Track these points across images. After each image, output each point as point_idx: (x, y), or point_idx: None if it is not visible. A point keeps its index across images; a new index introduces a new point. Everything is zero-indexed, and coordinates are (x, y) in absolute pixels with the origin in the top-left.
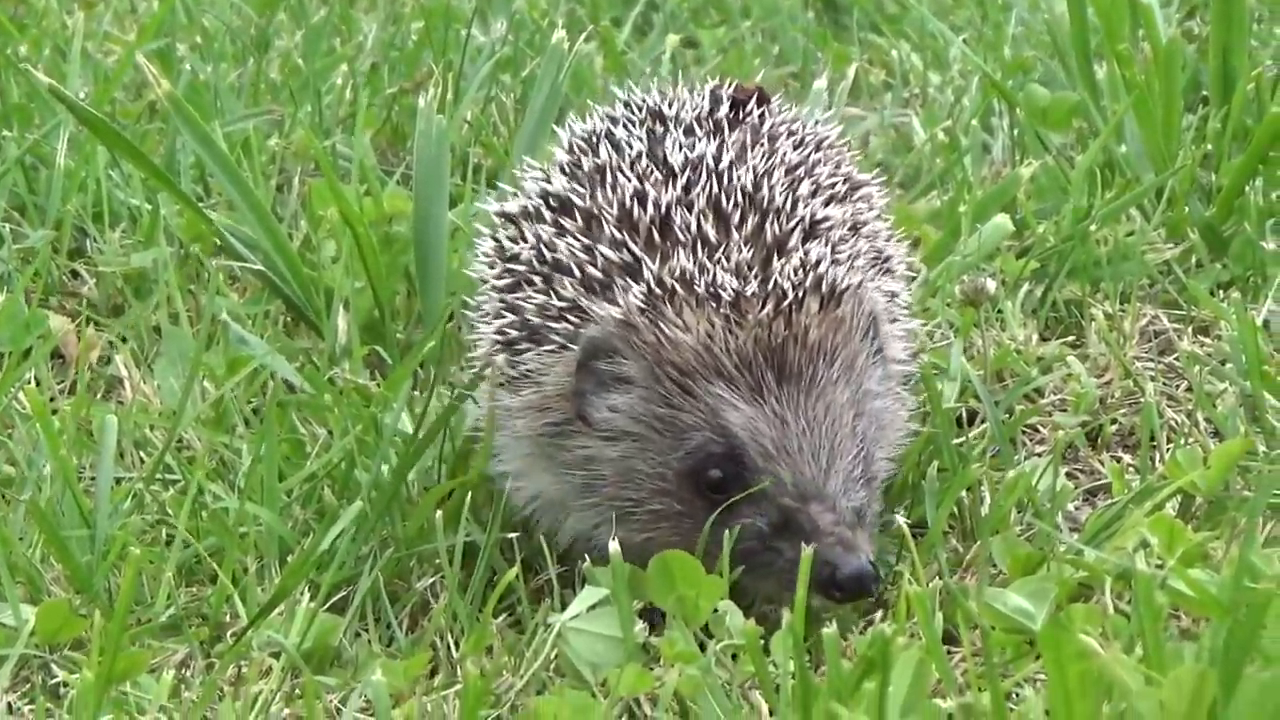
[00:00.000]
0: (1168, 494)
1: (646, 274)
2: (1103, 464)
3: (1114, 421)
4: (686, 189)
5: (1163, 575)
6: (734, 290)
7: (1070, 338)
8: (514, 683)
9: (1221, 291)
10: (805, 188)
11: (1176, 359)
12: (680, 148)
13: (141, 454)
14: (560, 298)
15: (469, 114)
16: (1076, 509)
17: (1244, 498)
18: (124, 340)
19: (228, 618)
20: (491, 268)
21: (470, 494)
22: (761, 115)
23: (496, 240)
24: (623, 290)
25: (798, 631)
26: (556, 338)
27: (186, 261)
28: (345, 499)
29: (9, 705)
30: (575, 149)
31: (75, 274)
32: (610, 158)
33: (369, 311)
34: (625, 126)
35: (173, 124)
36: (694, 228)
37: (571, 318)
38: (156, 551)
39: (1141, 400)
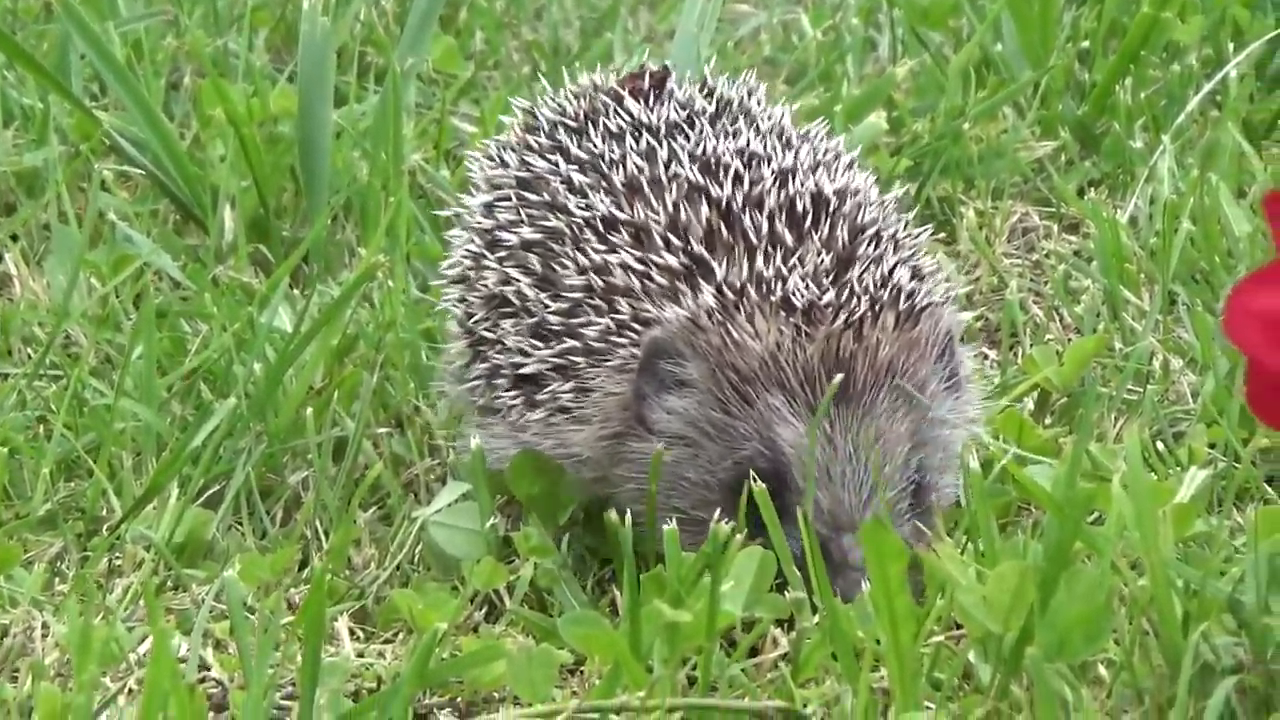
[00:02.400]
0: (1024, 389)
1: (716, 276)
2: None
3: (981, 318)
4: (752, 186)
5: (995, 470)
6: (808, 298)
7: (942, 235)
8: (379, 575)
9: (1091, 189)
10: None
11: (1047, 256)
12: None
13: (29, 350)
14: (617, 314)
15: (360, 12)
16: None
17: (1094, 392)
18: (14, 238)
19: (104, 512)
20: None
21: (340, 389)
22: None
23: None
24: (687, 294)
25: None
26: (621, 353)
27: (76, 160)
28: (223, 396)
29: None
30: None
31: None
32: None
33: (254, 210)
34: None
35: (64, 24)
36: (764, 230)
37: (634, 329)
38: (36, 448)
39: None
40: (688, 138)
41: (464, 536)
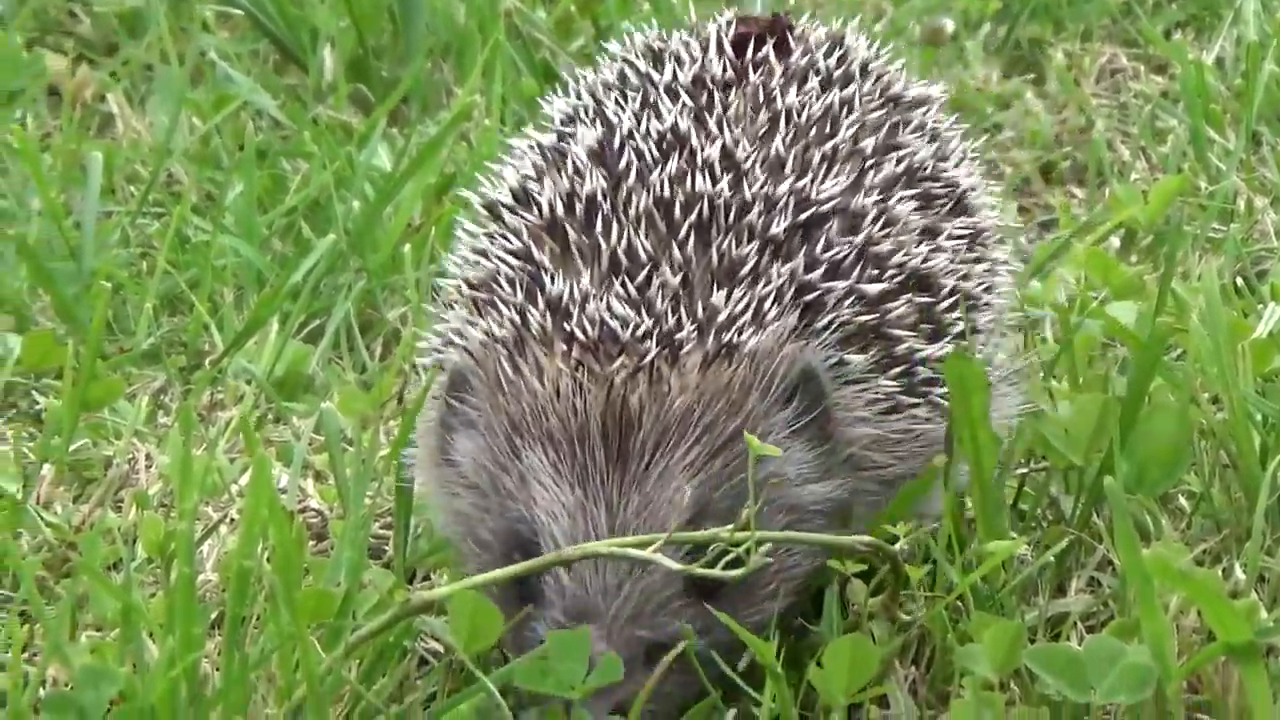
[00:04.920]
0: (1109, 228)
1: (531, 295)
2: (1055, 198)
3: (1067, 158)
4: (639, 177)
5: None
6: (603, 331)
7: (1030, 76)
8: None
9: (1178, 31)
10: (814, 154)
11: (1134, 97)
12: (659, 115)
13: (132, 189)
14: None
15: None
16: (1030, 242)
17: (1179, 230)
18: (117, 79)
19: (205, 347)
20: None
21: (437, 226)
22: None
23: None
24: (497, 315)
25: None
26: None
27: (179, 1)
28: (323, 233)
29: None
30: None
31: (72, 14)
32: (586, 130)
33: (353, 50)
34: (622, 80)
35: None
36: (622, 238)
37: (455, 338)
38: (139, 283)
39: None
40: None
41: None
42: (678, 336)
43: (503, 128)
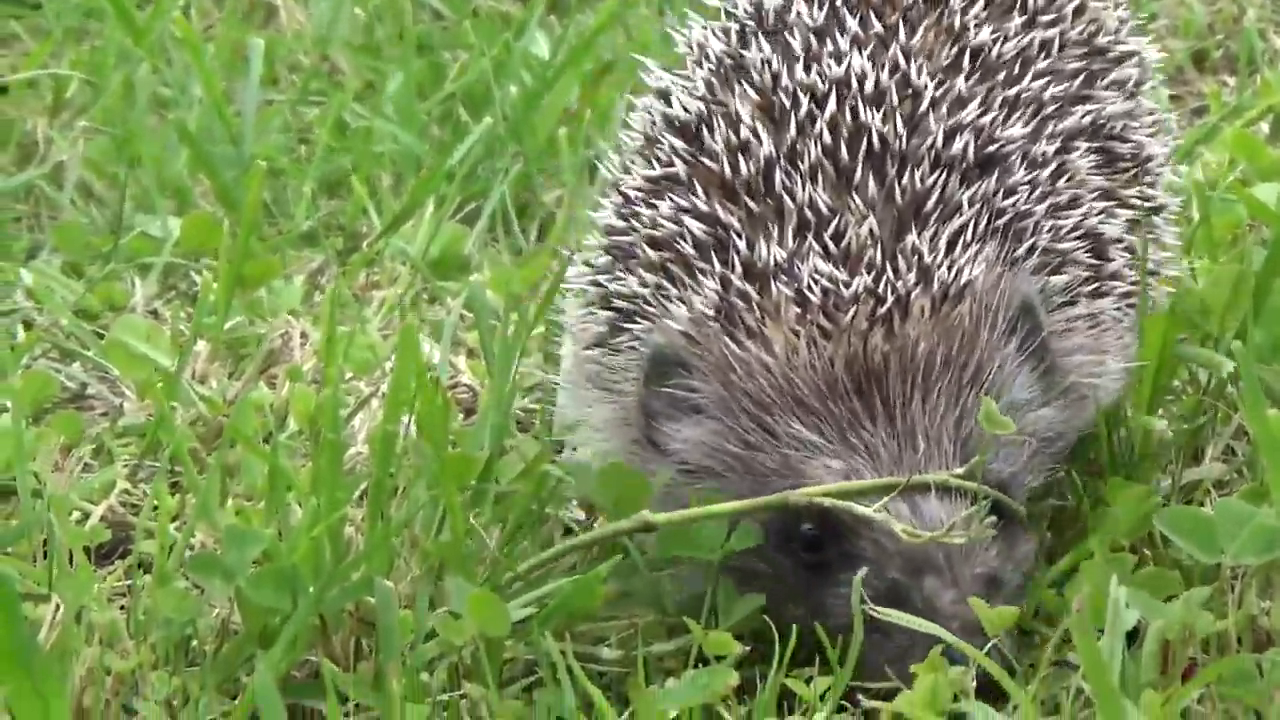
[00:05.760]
0: (1258, 112)
1: (729, 262)
2: (1206, 86)
3: (1220, 46)
4: (800, 131)
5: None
6: (828, 289)
7: None
8: None
9: None
10: (995, 97)
11: None
12: (811, 59)
13: (294, 77)
14: (643, 283)
15: None
16: (1181, 130)
17: None
18: None
19: (363, 229)
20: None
21: (594, 111)
22: None
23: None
24: (696, 286)
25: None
26: (636, 336)
27: None
28: (480, 119)
29: (155, 311)
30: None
31: None
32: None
33: None
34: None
35: None
36: (801, 190)
37: (651, 310)
38: (298, 167)
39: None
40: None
41: None
42: (898, 285)
43: (658, 18)
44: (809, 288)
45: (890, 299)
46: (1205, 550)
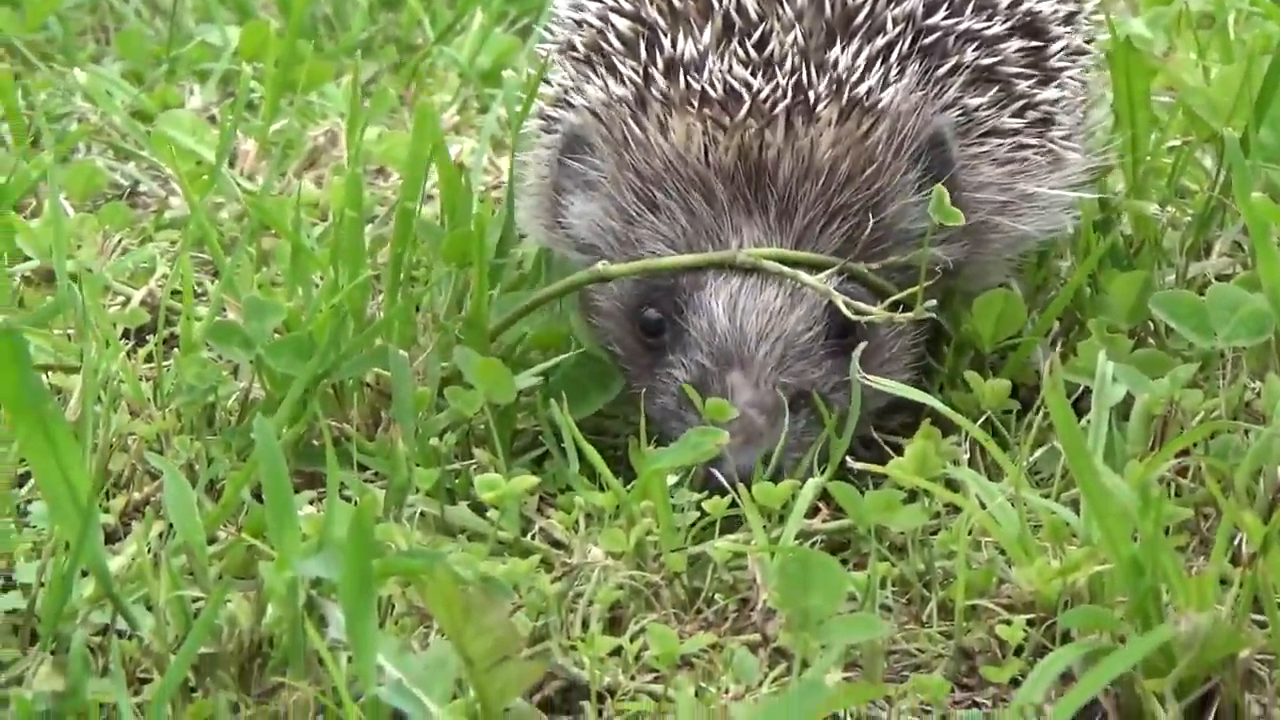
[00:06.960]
0: None
1: (653, 54)
2: None
3: None
4: None
5: None
6: (733, 86)
7: None
8: None
9: None
10: None
11: None
12: None
13: None
14: (569, 77)
15: None
16: None
17: None
18: None
19: (418, 41)
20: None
21: None
22: None
23: None
24: (616, 74)
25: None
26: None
27: None
28: None
29: (212, 116)
30: None
31: None
32: None
33: None
34: None
35: None
36: None
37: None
38: None
39: None
40: None
41: None
42: (810, 93)
43: None
44: (721, 83)
45: (799, 104)
46: (1199, 334)
